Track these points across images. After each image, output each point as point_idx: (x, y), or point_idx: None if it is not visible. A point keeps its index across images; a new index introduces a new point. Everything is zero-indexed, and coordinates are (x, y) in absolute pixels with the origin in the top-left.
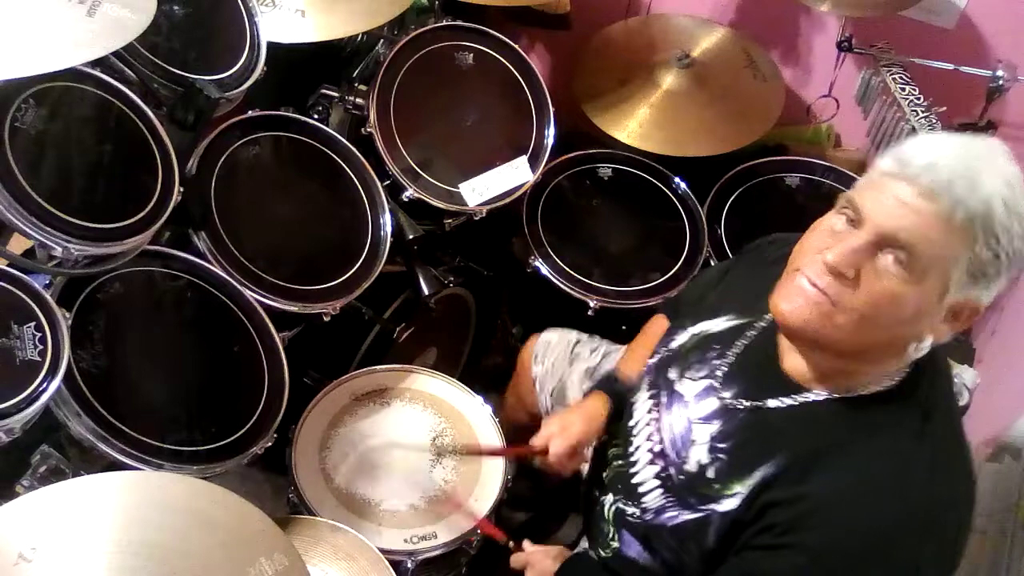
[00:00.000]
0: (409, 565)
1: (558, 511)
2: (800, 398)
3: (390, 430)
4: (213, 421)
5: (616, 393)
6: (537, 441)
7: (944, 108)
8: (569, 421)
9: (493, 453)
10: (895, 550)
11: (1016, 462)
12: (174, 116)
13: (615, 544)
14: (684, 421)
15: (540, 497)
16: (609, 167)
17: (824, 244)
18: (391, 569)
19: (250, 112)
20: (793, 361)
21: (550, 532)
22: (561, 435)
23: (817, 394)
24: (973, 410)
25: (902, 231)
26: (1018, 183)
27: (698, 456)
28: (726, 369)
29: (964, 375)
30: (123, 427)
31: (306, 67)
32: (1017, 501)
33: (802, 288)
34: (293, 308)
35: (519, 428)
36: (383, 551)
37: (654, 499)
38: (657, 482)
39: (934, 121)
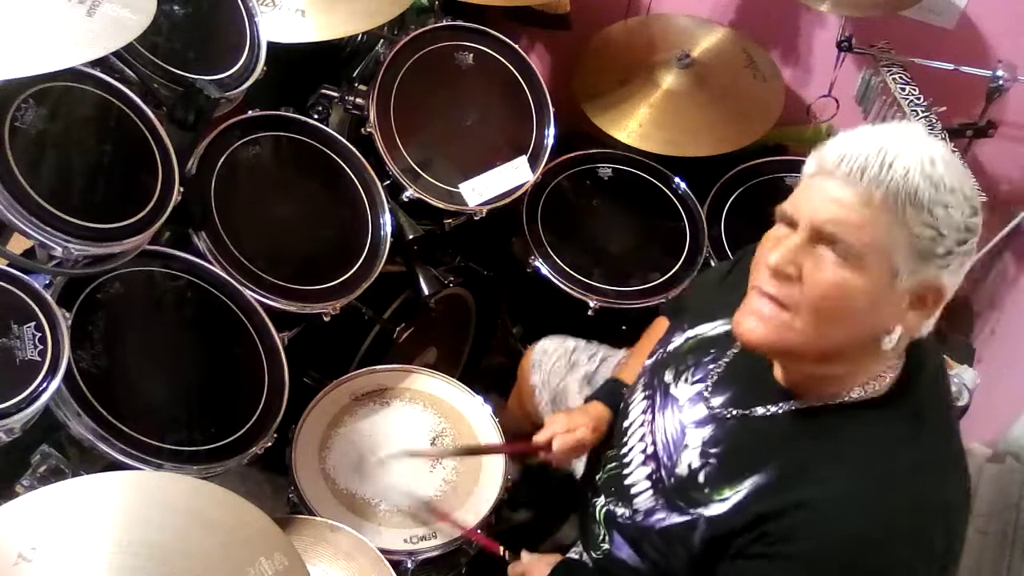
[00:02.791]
0: (409, 565)
1: (558, 512)
2: (789, 406)
3: (390, 430)
4: (213, 421)
5: (617, 402)
6: (540, 437)
7: (944, 108)
8: (575, 421)
9: (493, 450)
10: (882, 557)
11: (1017, 462)
12: (174, 116)
13: (606, 546)
14: (677, 424)
15: (540, 498)
16: (609, 167)
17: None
18: (391, 569)
19: (250, 112)
20: (781, 369)
21: (550, 532)
22: (565, 433)
23: (806, 402)
24: (973, 410)
25: (828, 223)
26: (941, 157)
27: (689, 459)
28: (718, 376)
29: (964, 375)
30: (123, 427)
31: (306, 67)
32: (1018, 502)
33: (755, 305)
34: (293, 308)
35: (520, 435)
36: (383, 551)
37: (644, 501)
38: (648, 484)
39: (934, 121)
